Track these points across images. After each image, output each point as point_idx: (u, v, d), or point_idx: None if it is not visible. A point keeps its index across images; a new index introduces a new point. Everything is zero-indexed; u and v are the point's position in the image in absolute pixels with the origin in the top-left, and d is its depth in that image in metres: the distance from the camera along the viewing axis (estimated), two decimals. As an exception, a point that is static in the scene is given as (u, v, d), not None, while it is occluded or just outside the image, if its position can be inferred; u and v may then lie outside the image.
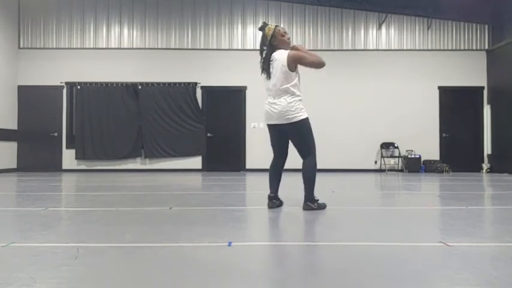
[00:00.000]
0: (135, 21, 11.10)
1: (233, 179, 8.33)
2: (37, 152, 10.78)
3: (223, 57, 11.03)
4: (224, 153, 10.95)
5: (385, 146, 10.92)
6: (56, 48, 11.02)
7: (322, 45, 11.10)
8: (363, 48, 11.19)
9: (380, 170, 10.84)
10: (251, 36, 11.11)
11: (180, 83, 10.89)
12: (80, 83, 10.81)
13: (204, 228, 3.10)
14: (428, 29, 11.20)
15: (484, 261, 2.26)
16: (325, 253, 2.51)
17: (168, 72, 10.94)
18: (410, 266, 2.16)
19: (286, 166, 4.18)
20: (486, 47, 11.19)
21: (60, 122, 10.89)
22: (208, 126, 10.91)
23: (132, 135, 10.73)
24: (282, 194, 4.19)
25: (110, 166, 10.77)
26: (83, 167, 10.78)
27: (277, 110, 3.88)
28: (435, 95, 11.10)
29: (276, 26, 4.04)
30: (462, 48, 11.22)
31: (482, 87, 11.17)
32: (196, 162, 10.90)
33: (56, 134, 10.83)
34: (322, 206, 3.99)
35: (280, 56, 3.89)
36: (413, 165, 10.70)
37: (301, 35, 11.11)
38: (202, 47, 11.09)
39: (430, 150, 10.95)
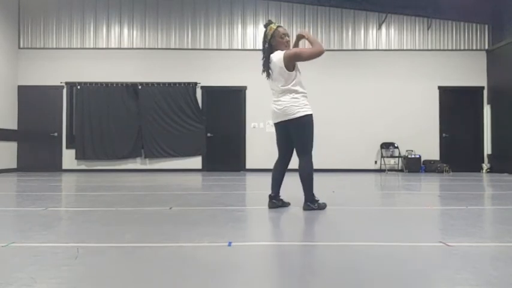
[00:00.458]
0: (135, 21, 11.10)
1: (233, 179, 8.32)
2: (37, 152, 10.78)
3: (223, 57, 11.04)
4: (224, 153, 10.95)
5: (385, 146, 10.92)
6: (56, 48, 11.02)
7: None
8: (362, 48, 11.19)
9: (380, 170, 10.84)
10: (251, 36, 11.11)
11: (180, 83, 10.89)
12: (80, 83, 10.81)
13: (204, 228, 3.10)
14: (428, 29, 11.20)
15: (484, 261, 2.26)
16: (325, 253, 2.51)
17: (168, 72, 10.95)
18: (410, 266, 2.16)
19: (288, 166, 4.18)
20: (486, 47, 11.19)
21: (60, 122, 10.89)
22: (208, 126, 10.91)
23: (132, 135, 10.73)
24: (282, 194, 4.19)
25: (110, 166, 10.77)
26: (83, 167, 10.78)
27: (281, 107, 3.90)
28: (435, 95, 11.10)
29: (278, 26, 4.03)
30: (462, 48, 11.22)
31: (482, 87, 11.17)
32: (196, 162, 10.91)
33: (56, 134, 10.83)
34: (322, 206, 3.99)
35: (277, 58, 3.89)
36: (413, 165, 10.70)
37: (301, 35, 11.09)
38: (202, 47, 11.09)
39: (430, 150, 10.95)
